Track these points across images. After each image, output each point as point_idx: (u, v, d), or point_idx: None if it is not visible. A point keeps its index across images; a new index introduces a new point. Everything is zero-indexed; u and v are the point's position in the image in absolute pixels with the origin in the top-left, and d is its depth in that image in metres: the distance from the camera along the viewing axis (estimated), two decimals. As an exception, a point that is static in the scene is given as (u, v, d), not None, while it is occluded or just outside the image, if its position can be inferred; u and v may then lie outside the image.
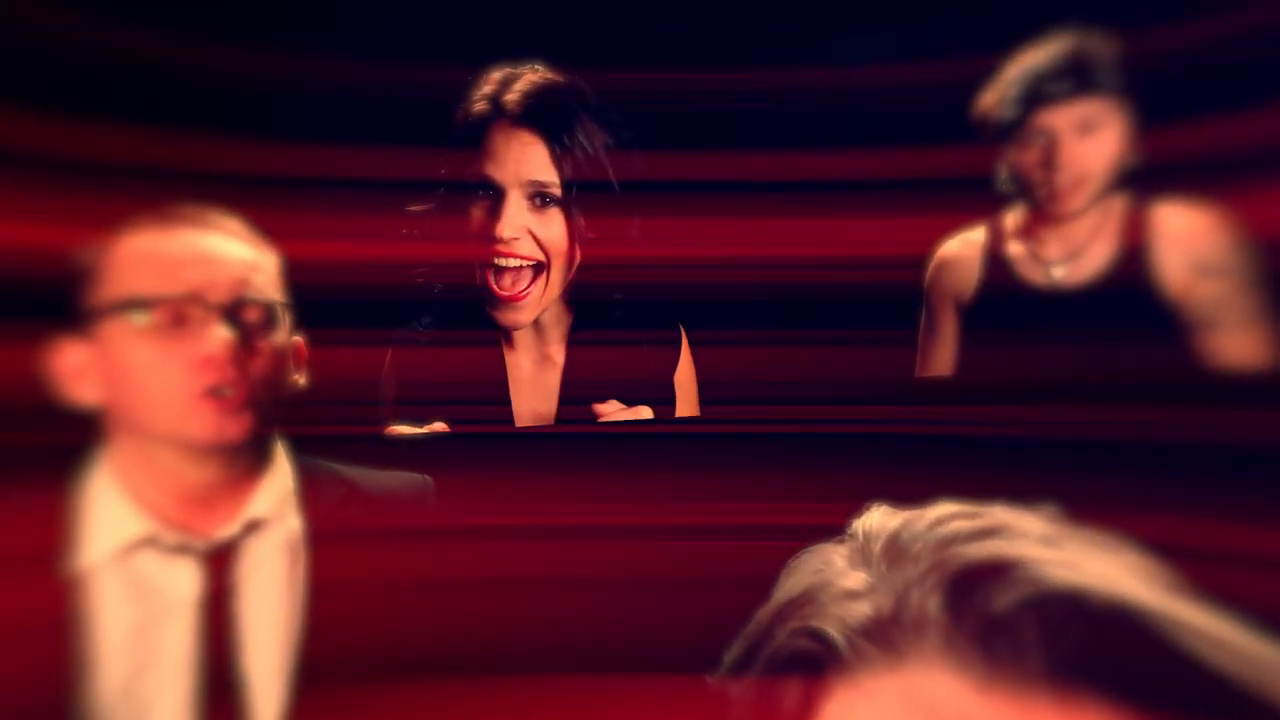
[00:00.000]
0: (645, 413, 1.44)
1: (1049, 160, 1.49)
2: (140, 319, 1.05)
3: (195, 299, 1.05)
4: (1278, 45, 1.44)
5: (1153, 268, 1.52)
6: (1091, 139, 1.48)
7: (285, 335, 1.11)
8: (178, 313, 1.05)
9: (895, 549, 0.48)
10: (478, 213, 1.42)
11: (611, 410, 1.43)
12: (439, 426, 1.35)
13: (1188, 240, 1.51)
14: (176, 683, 1.06)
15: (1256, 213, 1.48)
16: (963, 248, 1.64)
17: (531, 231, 1.41)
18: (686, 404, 1.53)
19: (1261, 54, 1.46)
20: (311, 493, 1.15)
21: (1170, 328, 1.49)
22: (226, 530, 1.10)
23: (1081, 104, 1.48)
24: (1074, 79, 1.47)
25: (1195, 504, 1.05)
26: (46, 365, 1.09)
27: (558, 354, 1.51)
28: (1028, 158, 1.51)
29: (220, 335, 1.05)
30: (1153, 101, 1.50)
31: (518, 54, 1.46)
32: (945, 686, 0.44)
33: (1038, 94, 1.48)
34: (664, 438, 1.45)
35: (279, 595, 1.11)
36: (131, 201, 1.15)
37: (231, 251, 1.09)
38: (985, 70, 1.58)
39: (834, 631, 0.47)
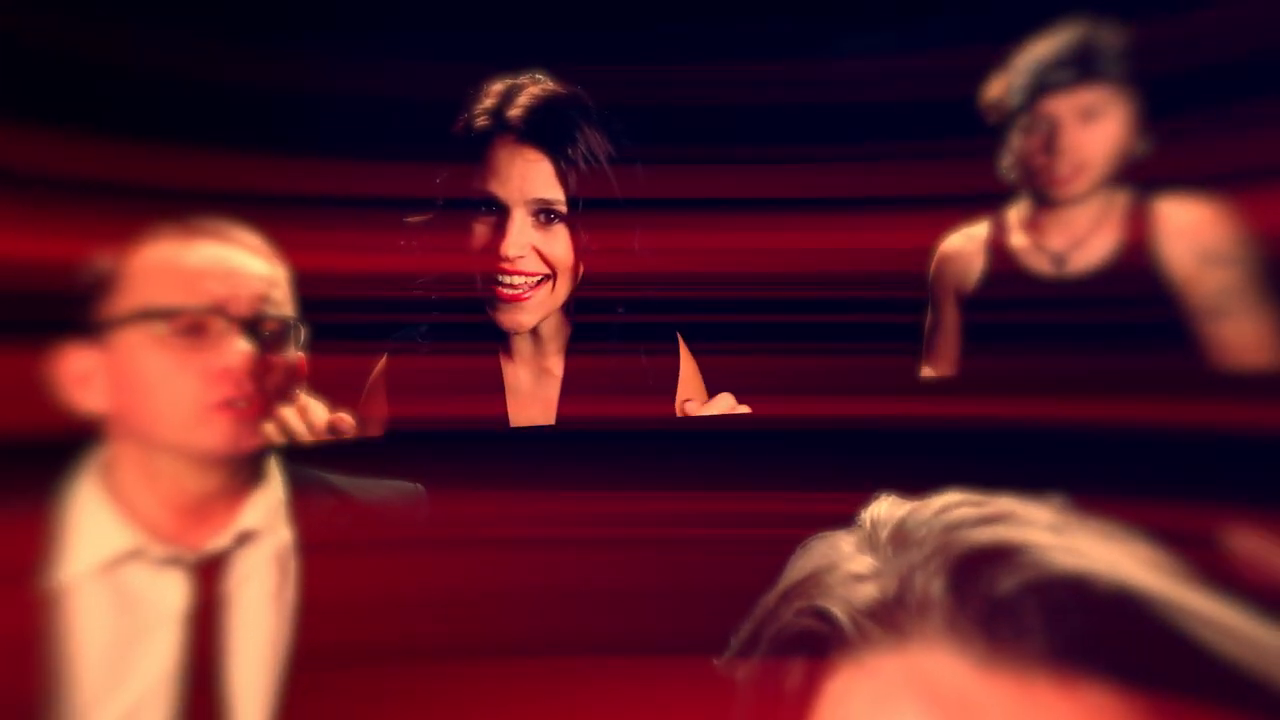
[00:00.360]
0: (728, 399, 1.37)
1: (1050, 146, 1.53)
2: (159, 328, 1.05)
3: (218, 311, 1.06)
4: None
5: (1157, 258, 1.53)
6: (1093, 126, 1.52)
7: (297, 350, 1.12)
8: (198, 324, 1.06)
9: (901, 535, 0.49)
10: (481, 229, 1.39)
11: (696, 405, 1.37)
12: (344, 420, 1.24)
13: (1192, 232, 1.52)
14: (160, 696, 1.05)
15: (1261, 215, 1.49)
16: (965, 242, 1.66)
17: (536, 248, 1.38)
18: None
19: (1262, 48, 1.46)
20: (302, 504, 1.15)
21: (1173, 317, 1.50)
22: (217, 542, 1.09)
23: (1084, 92, 1.51)
24: (1077, 67, 1.50)
25: (1199, 495, 1.05)
26: (51, 371, 1.08)
27: (556, 366, 1.49)
28: (1031, 144, 1.55)
29: (241, 348, 1.06)
30: (1153, 95, 1.52)
31: (517, 55, 1.44)
32: (947, 666, 0.45)
33: (1042, 82, 1.52)
34: (674, 438, 1.44)
35: (268, 608, 1.10)
36: (128, 216, 1.15)
37: (252, 266, 1.10)
38: (984, 69, 1.59)
39: (839, 612, 0.48)
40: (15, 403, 1.09)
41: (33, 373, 1.09)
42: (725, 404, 1.35)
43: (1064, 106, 1.51)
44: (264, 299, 1.09)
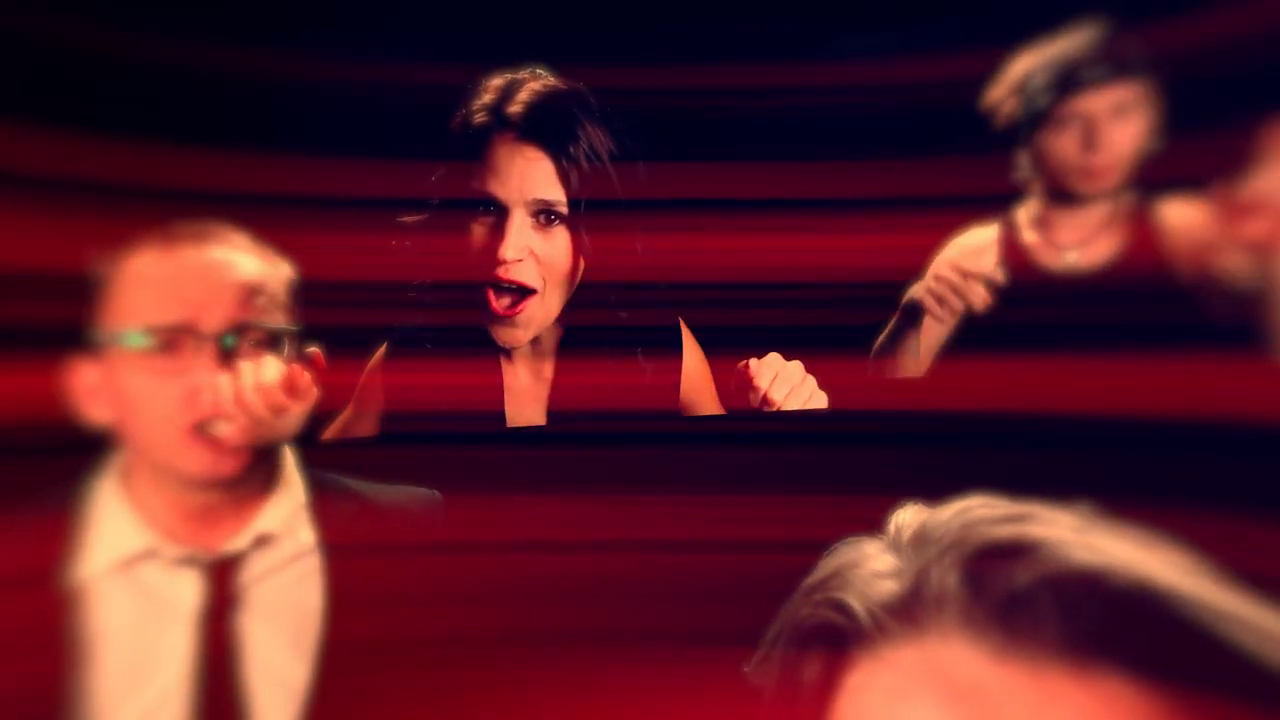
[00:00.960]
0: (779, 361, 1.29)
1: (1089, 142, 1.54)
2: (135, 346, 1.05)
3: (186, 329, 1.04)
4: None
5: (1164, 256, 1.56)
6: (1126, 122, 1.54)
7: (290, 357, 1.10)
8: (170, 342, 1.04)
9: (921, 535, 0.50)
10: (478, 230, 1.36)
11: (758, 366, 1.28)
12: (303, 378, 1.10)
13: (1196, 230, 1.54)
14: (179, 694, 1.05)
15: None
16: (978, 239, 1.68)
17: (534, 251, 1.35)
18: (707, 403, 1.48)
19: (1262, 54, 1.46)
20: (323, 507, 1.14)
21: (1177, 315, 1.51)
22: (233, 544, 1.09)
23: (1117, 88, 1.53)
24: (1109, 64, 1.53)
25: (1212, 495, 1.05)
26: (63, 385, 1.09)
27: (549, 369, 1.46)
28: (1064, 143, 1.56)
29: (210, 367, 1.04)
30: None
31: (517, 54, 1.42)
32: (962, 657, 0.45)
33: (1073, 80, 1.53)
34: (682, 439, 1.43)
35: (286, 611, 1.10)
36: (134, 216, 1.15)
37: (231, 275, 1.07)
38: (985, 69, 1.60)
39: (857, 605, 0.48)
40: (41, 404, 1.09)
41: (55, 376, 1.09)
42: (777, 364, 1.28)
43: (1099, 103, 1.53)
44: (243, 308, 1.06)
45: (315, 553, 1.12)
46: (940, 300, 1.51)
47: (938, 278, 1.53)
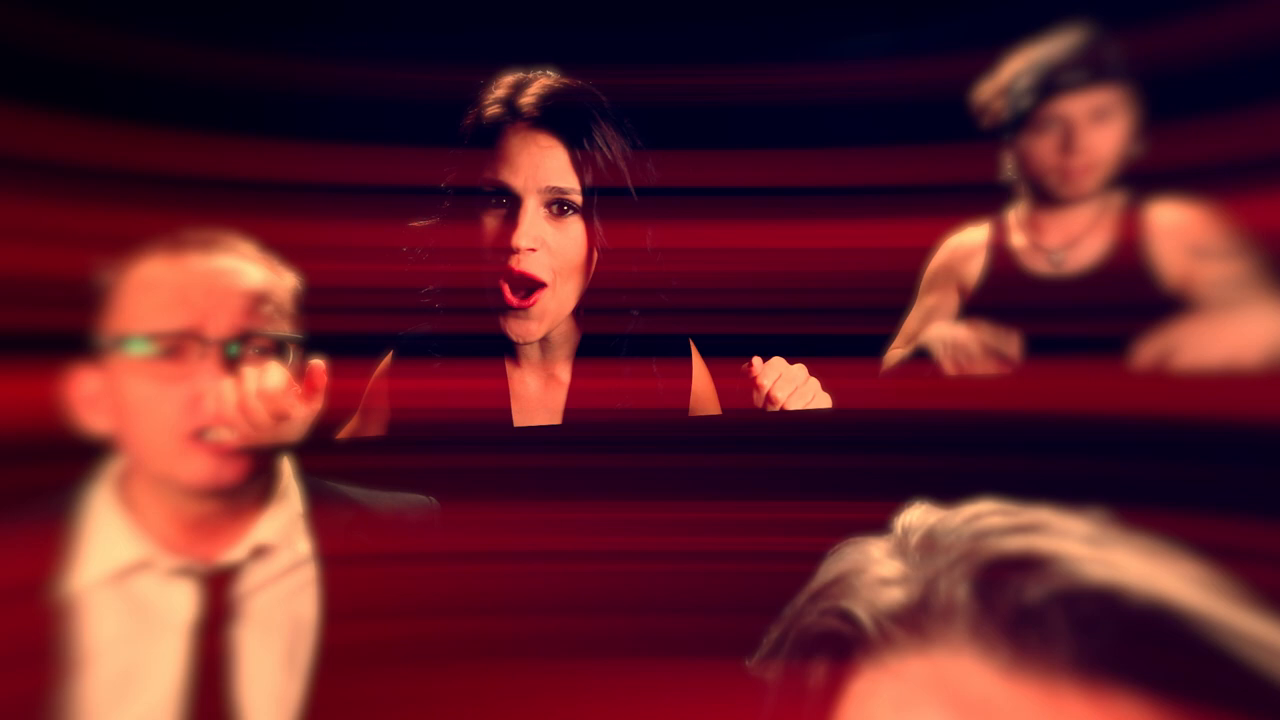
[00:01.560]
0: (782, 364, 1.30)
1: (1066, 145, 1.56)
2: (139, 352, 1.04)
3: (192, 335, 1.03)
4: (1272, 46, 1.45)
5: (1148, 258, 1.56)
6: (1104, 126, 1.55)
7: (293, 367, 1.08)
8: (175, 348, 1.03)
9: (930, 541, 0.49)
10: (490, 222, 1.35)
11: (762, 366, 1.29)
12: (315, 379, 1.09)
13: (1182, 233, 1.55)
14: (170, 706, 1.04)
15: (1256, 216, 1.49)
16: (969, 241, 1.69)
17: (546, 242, 1.34)
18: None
19: (1256, 55, 1.46)
20: (321, 517, 1.13)
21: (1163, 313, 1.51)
22: (231, 555, 1.08)
23: (1096, 93, 1.54)
24: (1089, 69, 1.54)
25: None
26: (63, 392, 1.07)
27: (564, 372, 1.45)
28: (1044, 145, 1.57)
29: (214, 374, 1.03)
30: (1148, 101, 1.55)
31: (518, 53, 1.42)
32: (971, 671, 0.44)
33: (1053, 83, 1.55)
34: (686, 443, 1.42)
35: (281, 623, 1.09)
36: (136, 207, 1.14)
37: (237, 282, 1.06)
38: (985, 69, 1.60)
39: (863, 614, 0.47)
40: (36, 411, 1.09)
41: (51, 379, 1.08)
42: (781, 365, 1.29)
43: (1078, 107, 1.54)
44: (248, 316, 1.05)
45: (312, 563, 1.11)
46: (956, 364, 1.54)
47: (956, 346, 1.55)
